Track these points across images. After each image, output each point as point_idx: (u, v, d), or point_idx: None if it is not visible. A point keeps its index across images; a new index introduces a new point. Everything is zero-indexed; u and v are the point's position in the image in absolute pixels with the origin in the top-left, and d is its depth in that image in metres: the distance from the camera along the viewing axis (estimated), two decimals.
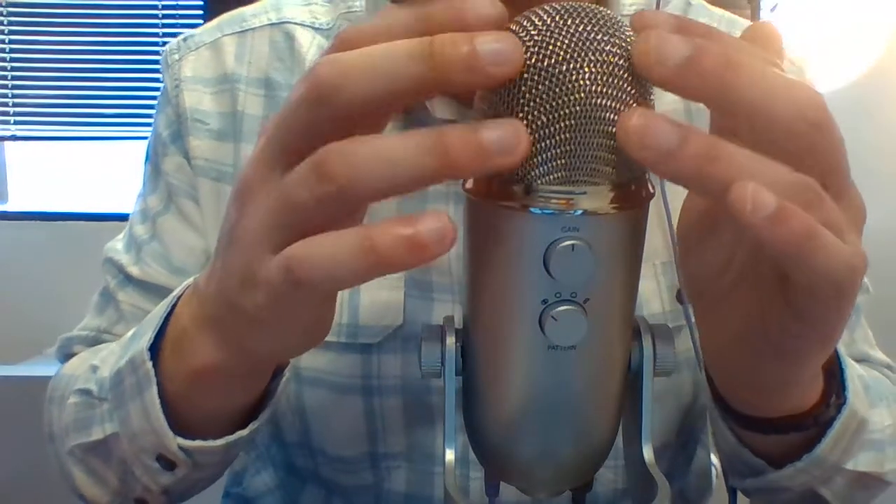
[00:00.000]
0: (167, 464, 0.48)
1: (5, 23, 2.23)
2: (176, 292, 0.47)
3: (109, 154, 2.38)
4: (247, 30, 0.65)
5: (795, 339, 0.35)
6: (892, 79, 1.97)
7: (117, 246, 0.67)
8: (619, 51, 0.28)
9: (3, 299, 2.17)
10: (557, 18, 0.29)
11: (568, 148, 0.28)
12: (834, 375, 0.45)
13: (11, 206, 2.31)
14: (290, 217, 0.30)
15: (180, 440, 0.46)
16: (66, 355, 0.66)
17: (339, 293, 0.34)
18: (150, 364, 0.46)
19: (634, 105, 0.28)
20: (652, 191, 0.31)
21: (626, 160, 0.29)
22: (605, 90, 0.28)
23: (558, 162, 0.28)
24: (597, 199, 0.29)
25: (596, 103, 0.28)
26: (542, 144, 0.28)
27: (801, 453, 0.46)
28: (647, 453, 0.35)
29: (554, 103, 0.28)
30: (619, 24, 0.29)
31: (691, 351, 0.42)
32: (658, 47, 0.27)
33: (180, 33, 0.69)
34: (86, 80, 2.24)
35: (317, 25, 0.65)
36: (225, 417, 0.47)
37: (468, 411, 0.36)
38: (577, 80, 0.28)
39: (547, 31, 0.28)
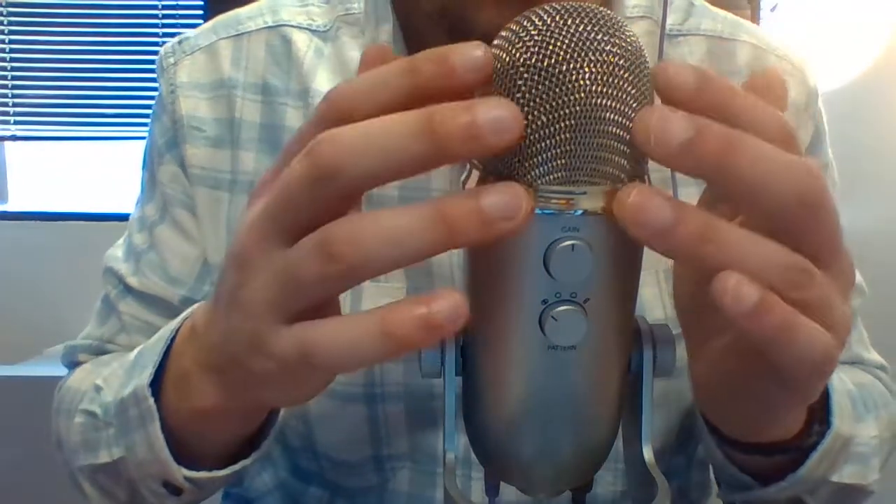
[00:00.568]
0: (174, 489, 0.49)
1: (5, 23, 2.22)
2: (174, 324, 0.47)
3: (109, 154, 2.38)
4: (242, 33, 0.65)
5: (776, 398, 0.37)
6: (892, 79, 1.97)
7: (117, 254, 0.68)
8: (619, 51, 0.28)
9: (2, 299, 2.17)
10: (557, 18, 0.29)
11: (568, 148, 0.28)
12: (820, 401, 0.47)
13: (11, 206, 2.31)
14: (297, 293, 0.30)
15: (185, 471, 0.47)
16: (71, 363, 0.67)
17: (341, 302, 0.34)
18: (152, 401, 0.47)
19: (634, 114, 0.28)
20: None
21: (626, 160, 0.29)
22: (605, 90, 0.28)
23: (558, 162, 0.28)
24: (597, 199, 0.29)
25: (596, 103, 0.28)
26: (542, 144, 0.28)
27: (786, 472, 0.48)
28: (647, 453, 0.35)
29: (554, 103, 0.28)
30: (619, 24, 0.29)
31: None
32: (659, 128, 0.27)
33: (180, 33, 0.68)
34: (86, 80, 2.24)
35: (314, 28, 0.64)
36: (229, 445, 0.48)
37: (468, 411, 0.36)
38: (577, 80, 0.28)
39: (547, 31, 0.28)
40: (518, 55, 0.29)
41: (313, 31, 0.64)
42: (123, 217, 0.72)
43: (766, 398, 0.37)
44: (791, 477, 0.47)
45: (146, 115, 2.29)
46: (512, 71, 0.29)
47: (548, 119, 0.28)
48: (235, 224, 0.61)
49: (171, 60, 0.65)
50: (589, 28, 0.28)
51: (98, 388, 0.55)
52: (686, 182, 0.60)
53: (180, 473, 0.47)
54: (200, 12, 2.21)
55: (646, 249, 0.30)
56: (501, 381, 0.33)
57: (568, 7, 0.29)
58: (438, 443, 0.60)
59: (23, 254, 2.18)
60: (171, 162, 0.64)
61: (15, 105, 2.24)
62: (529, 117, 0.28)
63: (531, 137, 0.28)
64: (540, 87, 0.28)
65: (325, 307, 0.32)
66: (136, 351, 0.52)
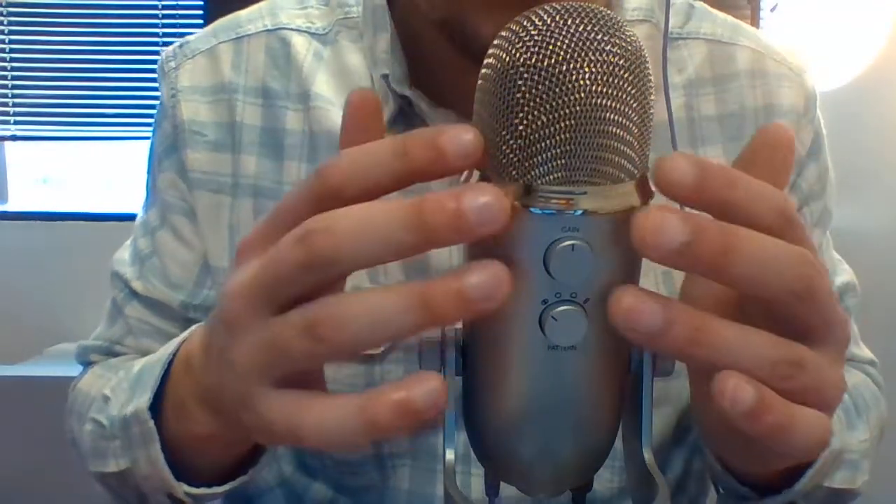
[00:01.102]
0: (177, 501, 0.52)
1: (5, 23, 2.23)
2: (171, 347, 0.50)
3: (109, 154, 2.38)
4: (242, 36, 0.65)
5: (776, 460, 0.39)
6: (892, 79, 1.97)
7: (124, 256, 0.70)
8: (619, 51, 0.28)
9: (3, 299, 2.17)
10: (557, 18, 0.29)
11: (568, 148, 0.28)
12: None
13: (11, 206, 2.31)
14: (283, 363, 0.31)
15: (186, 487, 0.50)
16: (84, 362, 0.70)
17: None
18: (151, 423, 0.49)
19: (635, 114, 0.28)
20: (652, 191, 0.31)
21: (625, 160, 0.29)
22: (605, 90, 0.28)
23: (558, 162, 0.28)
24: (597, 199, 0.29)
25: (596, 103, 0.28)
26: (542, 144, 0.28)
27: (782, 484, 0.49)
28: (647, 453, 0.35)
29: (554, 103, 0.28)
30: (619, 24, 0.29)
31: None
32: (656, 230, 0.27)
33: (180, 34, 0.69)
34: (86, 80, 2.24)
35: (313, 30, 0.64)
36: (227, 464, 0.49)
37: (468, 411, 0.36)
38: (577, 80, 0.28)
39: (547, 31, 0.28)
40: (518, 55, 0.29)
41: (312, 35, 0.64)
42: (123, 217, 0.73)
43: (765, 457, 0.38)
44: (787, 492, 0.49)
45: (146, 116, 2.30)
46: (512, 71, 0.29)
47: (548, 119, 0.28)
48: (237, 234, 0.62)
49: (173, 64, 0.66)
50: (589, 28, 0.28)
51: (106, 399, 0.58)
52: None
53: (181, 490, 0.50)
54: (200, 12, 2.21)
55: None
56: (501, 381, 0.33)
57: (568, 7, 0.29)
58: (438, 440, 0.60)
59: (23, 254, 2.18)
60: (169, 169, 0.65)
61: (15, 105, 2.24)
62: (529, 117, 0.28)
63: (531, 137, 0.28)
64: (540, 87, 0.28)
65: (312, 371, 0.34)
66: (139, 365, 0.55)
